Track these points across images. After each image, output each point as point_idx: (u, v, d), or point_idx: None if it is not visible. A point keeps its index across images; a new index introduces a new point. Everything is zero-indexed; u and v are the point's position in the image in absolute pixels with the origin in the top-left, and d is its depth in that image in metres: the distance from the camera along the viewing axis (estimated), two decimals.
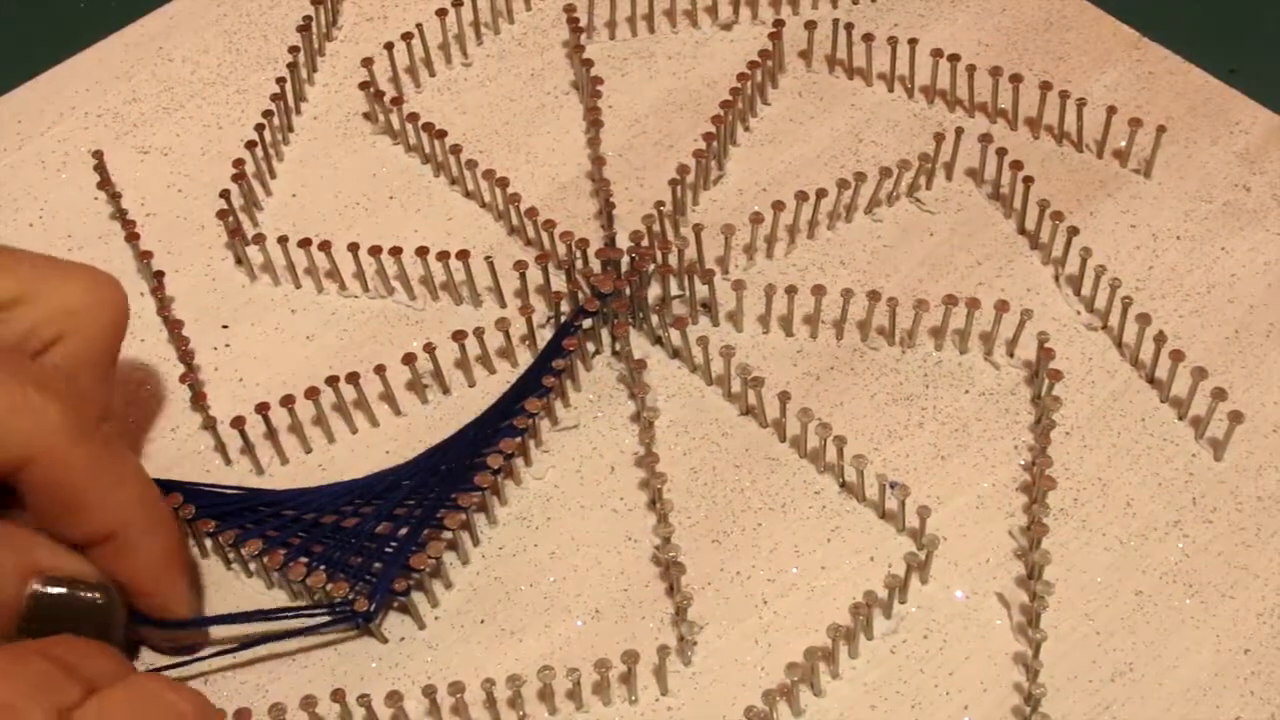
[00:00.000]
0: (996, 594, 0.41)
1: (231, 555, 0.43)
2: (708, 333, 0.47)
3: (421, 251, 0.48)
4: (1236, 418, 0.43)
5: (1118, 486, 0.43)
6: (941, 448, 0.44)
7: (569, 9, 0.55)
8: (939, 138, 0.50)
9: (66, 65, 0.56)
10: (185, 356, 0.47)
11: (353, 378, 0.45)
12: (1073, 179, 0.51)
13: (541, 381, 0.45)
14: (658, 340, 0.47)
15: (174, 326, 0.48)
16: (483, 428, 0.44)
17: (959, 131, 0.50)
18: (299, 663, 0.41)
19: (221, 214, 0.50)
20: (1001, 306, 0.46)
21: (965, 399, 0.45)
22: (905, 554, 0.41)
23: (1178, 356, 0.44)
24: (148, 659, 0.41)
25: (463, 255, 0.47)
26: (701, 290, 0.47)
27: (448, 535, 0.42)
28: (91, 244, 0.51)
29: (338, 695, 0.39)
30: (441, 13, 0.55)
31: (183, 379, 0.46)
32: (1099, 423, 0.45)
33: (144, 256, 0.49)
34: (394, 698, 0.39)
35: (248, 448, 0.45)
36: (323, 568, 0.41)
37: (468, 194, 0.52)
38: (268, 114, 0.52)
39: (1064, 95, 0.51)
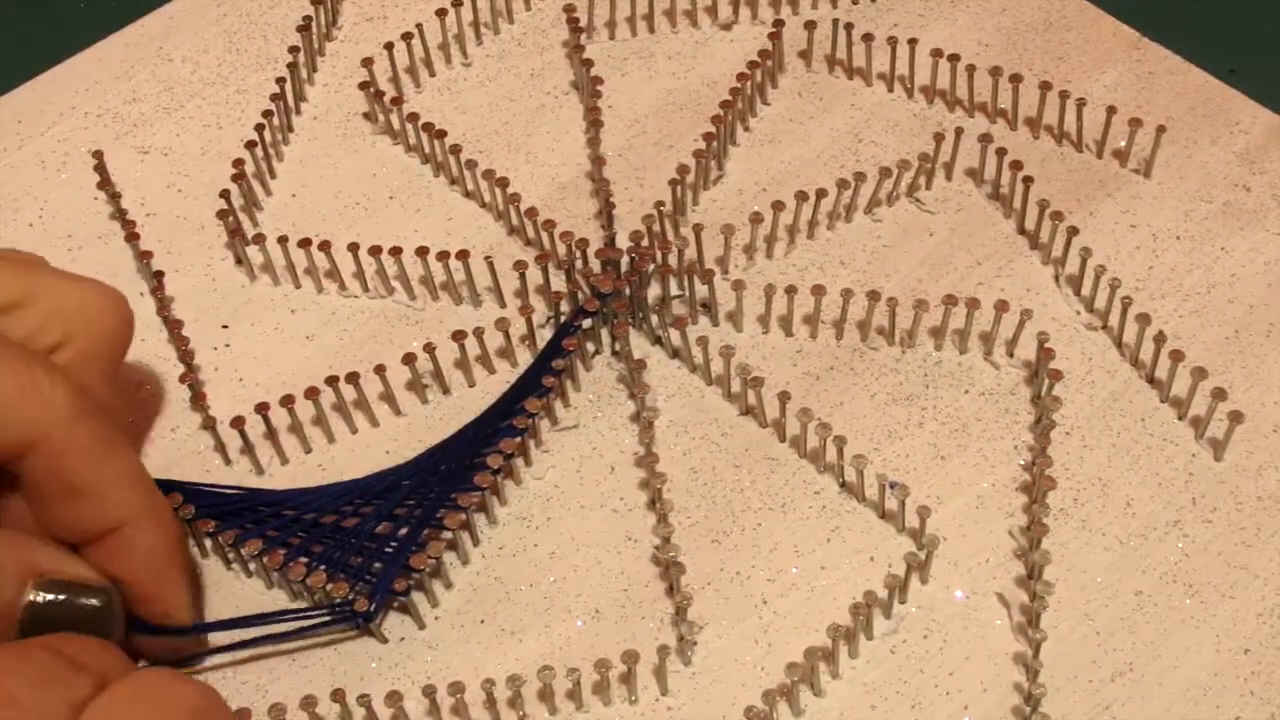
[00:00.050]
0: (996, 594, 0.41)
1: (231, 555, 0.43)
2: (708, 333, 0.47)
3: (421, 251, 0.48)
4: (1236, 418, 0.43)
5: (1118, 486, 0.43)
6: (941, 448, 0.44)
7: (569, 9, 0.55)
8: (939, 138, 0.50)
9: (66, 65, 0.56)
10: (185, 356, 0.47)
11: (353, 378, 0.45)
12: (1073, 179, 0.51)
13: (541, 381, 0.45)
14: (658, 340, 0.47)
15: (174, 326, 0.48)
16: (483, 428, 0.44)
17: (959, 131, 0.50)
18: (299, 663, 0.41)
19: (221, 214, 0.50)
20: (1001, 306, 0.46)
21: (965, 399, 0.45)
22: (905, 554, 0.41)
23: (1178, 356, 0.44)
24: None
25: (463, 255, 0.47)
26: (701, 290, 0.47)
27: (448, 535, 0.42)
28: (91, 244, 0.51)
29: (338, 695, 0.39)
30: (441, 13, 0.55)
31: (183, 379, 0.46)
32: (1099, 423, 0.45)
33: (144, 256, 0.49)
34: (394, 698, 0.39)
35: (248, 448, 0.45)
36: (323, 568, 0.41)
37: (468, 194, 0.52)
38: (268, 114, 0.52)
39: (1064, 95, 0.51)
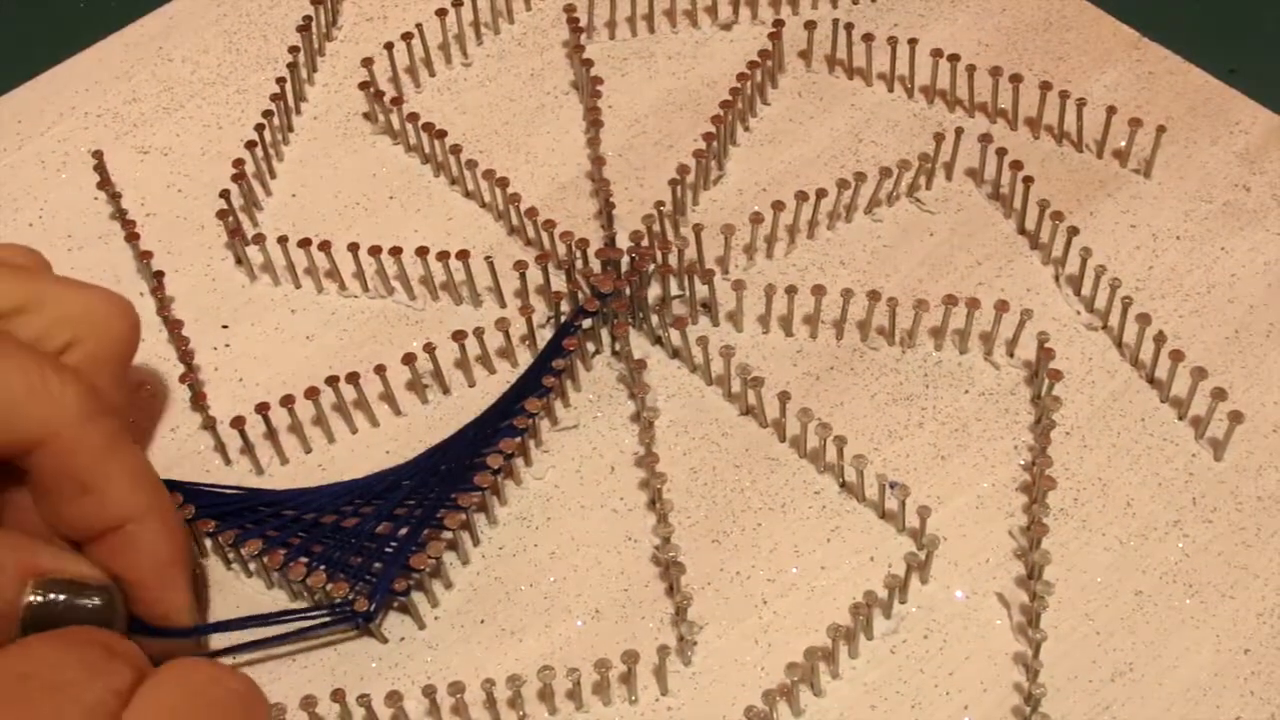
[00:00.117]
0: (996, 594, 0.41)
1: (231, 555, 0.43)
2: (708, 333, 0.47)
3: (421, 251, 0.48)
4: (1236, 418, 0.43)
5: (1118, 486, 0.43)
6: (941, 448, 0.44)
7: (569, 9, 0.55)
8: (939, 138, 0.50)
9: (66, 65, 0.56)
10: (185, 356, 0.47)
11: (353, 378, 0.45)
12: (1073, 179, 0.51)
13: (541, 381, 0.45)
14: (658, 340, 0.47)
15: (174, 326, 0.48)
16: (483, 428, 0.44)
17: (959, 131, 0.50)
18: (299, 663, 0.41)
19: (221, 214, 0.50)
20: (1001, 306, 0.46)
21: (965, 399, 0.45)
22: (905, 554, 0.41)
23: (1178, 356, 0.44)
24: None
25: (463, 255, 0.47)
26: (701, 290, 0.47)
27: (448, 535, 0.42)
28: (91, 244, 0.51)
29: (338, 695, 0.39)
30: (441, 13, 0.55)
31: (183, 379, 0.46)
32: (1099, 423, 0.45)
33: (144, 256, 0.49)
34: (394, 698, 0.39)
35: (248, 448, 0.45)
36: (323, 568, 0.41)
37: (468, 194, 0.52)
38: (268, 114, 0.52)
39: (1064, 95, 0.51)
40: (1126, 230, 0.49)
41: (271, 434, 0.45)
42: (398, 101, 0.52)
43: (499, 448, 0.43)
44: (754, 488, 0.44)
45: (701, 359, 0.46)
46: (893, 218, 0.50)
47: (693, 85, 0.54)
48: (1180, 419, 0.45)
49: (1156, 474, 0.44)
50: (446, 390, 0.47)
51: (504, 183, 0.50)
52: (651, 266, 0.47)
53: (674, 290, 0.48)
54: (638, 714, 0.40)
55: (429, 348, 0.46)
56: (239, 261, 0.50)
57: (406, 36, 0.54)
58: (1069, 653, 0.40)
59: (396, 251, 0.48)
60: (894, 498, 0.43)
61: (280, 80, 0.53)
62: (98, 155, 0.52)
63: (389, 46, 0.54)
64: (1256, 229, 0.49)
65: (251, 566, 0.43)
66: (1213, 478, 0.43)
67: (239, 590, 0.43)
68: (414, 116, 0.52)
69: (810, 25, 0.54)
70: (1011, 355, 0.46)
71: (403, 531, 0.42)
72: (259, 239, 0.49)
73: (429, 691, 0.39)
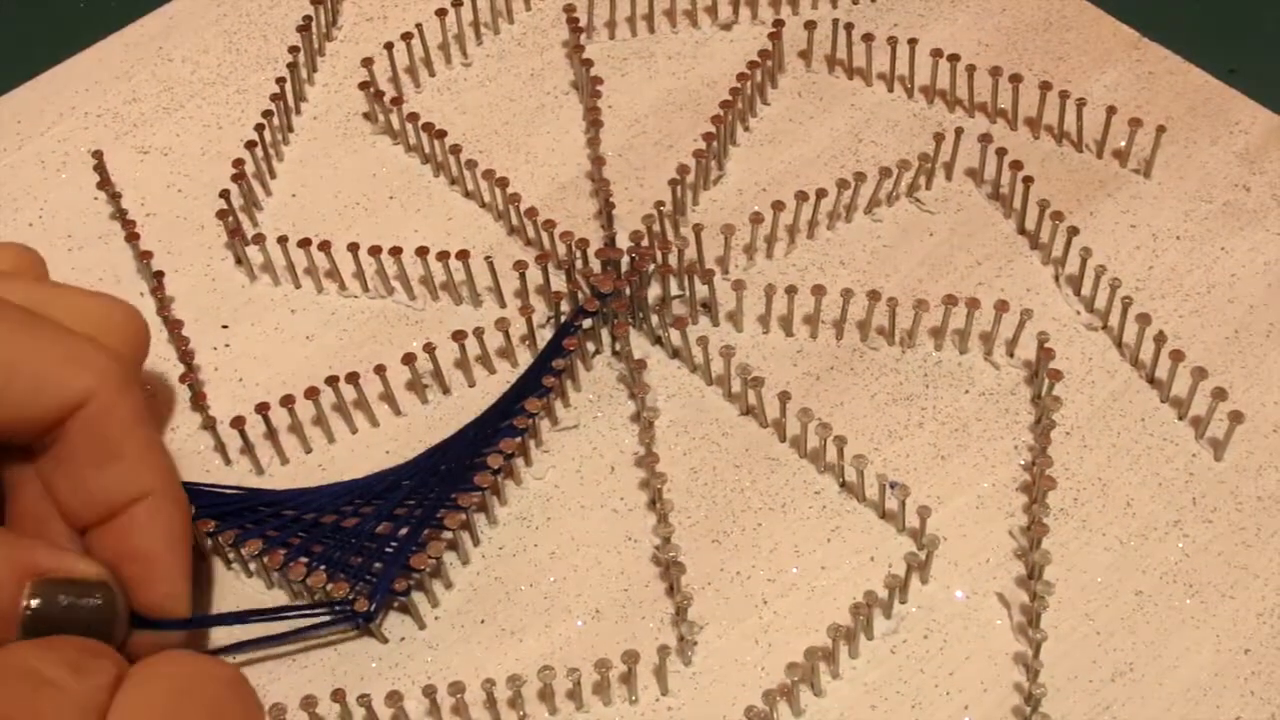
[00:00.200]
0: (996, 594, 0.41)
1: (231, 555, 0.43)
2: (708, 333, 0.47)
3: (421, 251, 0.48)
4: (1236, 418, 0.43)
5: (1118, 486, 0.43)
6: (941, 448, 0.44)
7: (569, 9, 0.55)
8: (939, 138, 0.50)
9: (66, 65, 0.56)
10: (185, 356, 0.47)
11: (353, 378, 0.45)
12: (1073, 179, 0.51)
13: (541, 381, 0.45)
14: (658, 340, 0.47)
15: (174, 326, 0.48)
16: (483, 428, 0.44)
17: (959, 131, 0.50)
18: (299, 663, 0.41)
19: (221, 214, 0.50)
20: (1001, 306, 0.46)
21: (965, 399, 0.45)
22: (905, 554, 0.41)
23: (1178, 356, 0.44)
24: None
25: (463, 255, 0.47)
26: (701, 290, 0.47)
27: (448, 535, 0.42)
28: (91, 244, 0.51)
29: (338, 695, 0.39)
30: (441, 13, 0.55)
31: (183, 379, 0.46)
32: (1099, 423, 0.45)
33: (144, 256, 0.49)
34: (394, 698, 0.39)
35: (248, 448, 0.45)
36: (323, 568, 0.41)
37: (468, 194, 0.52)
38: (268, 114, 0.52)
39: (1064, 95, 0.51)
40: (1126, 230, 0.49)
41: (271, 434, 0.45)
42: (398, 101, 0.52)
43: (499, 448, 0.43)
44: (754, 488, 0.44)
45: (701, 359, 0.46)
46: (893, 218, 0.50)
47: (693, 85, 0.54)
48: (1180, 419, 0.45)
49: (1156, 474, 0.44)
50: (446, 390, 0.47)
51: (504, 183, 0.50)
52: (651, 266, 0.47)
53: (674, 290, 0.48)
54: (638, 714, 0.40)
55: (429, 348, 0.46)
56: (239, 261, 0.50)
57: (406, 36, 0.54)
58: (1069, 653, 0.40)
59: (396, 251, 0.48)
60: (894, 498, 0.43)
61: (280, 80, 0.53)
62: (98, 155, 0.52)
63: (389, 46, 0.54)
64: (1256, 229, 0.49)
65: (251, 566, 0.43)
66: (1213, 478, 0.43)
67: (239, 590, 0.43)
68: (414, 116, 0.52)
69: (810, 25, 0.54)
70: (1011, 355, 0.46)
71: (403, 531, 0.42)
72: (259, 239, 0.49)
73: (429, 691, 0.39)
